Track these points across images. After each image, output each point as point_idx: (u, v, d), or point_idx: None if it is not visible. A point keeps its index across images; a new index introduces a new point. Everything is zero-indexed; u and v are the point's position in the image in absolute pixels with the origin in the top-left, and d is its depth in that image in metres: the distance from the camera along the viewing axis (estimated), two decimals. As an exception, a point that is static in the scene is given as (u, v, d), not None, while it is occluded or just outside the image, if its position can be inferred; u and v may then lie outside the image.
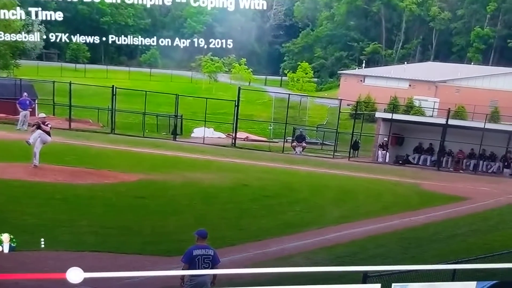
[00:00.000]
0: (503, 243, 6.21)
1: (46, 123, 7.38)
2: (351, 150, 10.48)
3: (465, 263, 5.51)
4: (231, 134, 8.93)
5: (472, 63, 12.58)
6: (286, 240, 5.97)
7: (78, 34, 5.00)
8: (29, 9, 4.67)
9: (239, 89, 8.44)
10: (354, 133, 10.34)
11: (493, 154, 11.54)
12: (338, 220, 6.21)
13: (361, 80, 10.98)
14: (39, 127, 7.19)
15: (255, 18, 5.19)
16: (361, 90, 10.66)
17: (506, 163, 11.36)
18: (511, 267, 5.68)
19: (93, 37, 5.00)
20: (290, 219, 6.47)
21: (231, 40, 5.07)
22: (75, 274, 4.50)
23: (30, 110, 8.30)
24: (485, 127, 11.05)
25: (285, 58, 8.08)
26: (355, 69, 10.27)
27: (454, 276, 5.36)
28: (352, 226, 6.30)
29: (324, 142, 10.54)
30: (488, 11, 9.75)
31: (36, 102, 8.18)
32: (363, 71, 10.68)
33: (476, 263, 5.56)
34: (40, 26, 4.82)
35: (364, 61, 10.01)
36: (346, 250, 6.05)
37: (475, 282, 5.27)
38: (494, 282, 5.34)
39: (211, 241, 4.95)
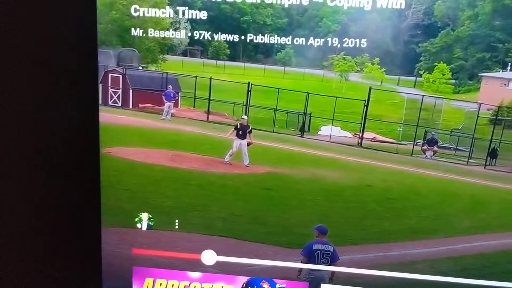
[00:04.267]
0: None
1: (250, 129, 7.68)
2: (488, 158, 9.72)
3: None
4: (358, 133, 8.82)
5: None
6: (409, 245, 5.77)
7: (219, 32, 5.31)
8: (177, 8, 5.03)
9: (370, 88, 8.30)
10: (493, 140, 9.58)
11: None
12: (468, 231, 5.88)
13: (504, 84, 10.05)
14: (243, 136, 7.58)
15: (392, 17, 5.05)
16: (504, 94, 9.72)
17: None
18: None
19: (233, 35, 5.27)
20: (415, 225, 6.18)
21: (365, 40, 5.05)
22: (209, 257, 4.80)
23: (174, 101, 8.95)
24: None
25: (421, 58, 7.71)
26: (499, 72, 9.44)
27: None
28: (483, 238, 6.00)
29: (458, 147, 9.89)
30: None
31: (180, 94, 8.80)
32: (508, 74, 9.74)
33: None
34: (186, 24, 5.21)
35: (509, 63, 9.17)
36: (474, 262, 5.71)
37: None
38: None
39: (331, 238, 5.00)
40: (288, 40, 5.10)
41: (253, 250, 5.49)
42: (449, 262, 5.55)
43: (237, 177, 7.04)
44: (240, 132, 7.64)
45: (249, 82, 8.17)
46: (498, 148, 10.11)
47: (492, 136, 9.81)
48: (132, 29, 5.07)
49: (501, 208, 6.87)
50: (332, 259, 4.93)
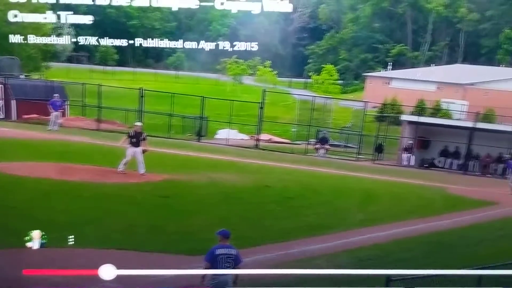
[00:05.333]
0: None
1: (144, 136, 7.47)
2: (375, 153, 10.41)
3: (491, 269, 5.44)
4: (255, 135, 8.99)
5: (502, 65, 12.32)
6: (308, 242, 5.92)
7: (106, 37, 5.12)
8: (60, 12, 4.78)
9: (264, 91, 8.50)
10: (378, 136, 10.29)
11: (523, 158, 11.29)
12: (362, 223, 6.17)
13: (387, 83, 10.90)
14: (137, 144, 7.35)
15: (279, 21, 5.19)
16: (387, 92, 10.61)
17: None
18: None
19: (121, 40, 5.12)
20: (313, 221, 6.43)
21: (256, 43, 5.13)
22: (107, 271, 4.58)
23: (61, 111, 8.51)
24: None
25: (309, 60, 8.05)
26: (381, 71, 10.20)
27: (480, 282, 5.30)
28: (376, 230, 6.23)
29: (347, 144, 10.50)
30: (518, 12, 9.58)
31: (67, 103, 8.39)
32: (389, 73, 10.61)
33: (504, 269, 5.48)
34: (69, 29, 4.95)
35: (389, 63, 9.92)
36: (369, 254, 6.01)
37: (502, 289, 5.19)
38: (522, 289, 5.25)
39: (233, 241, 5.00)
40: (179, 44, 5.03)
41: (155, 261, 5.37)
42: (345, 255, 5.79)
43: (132, 186, 6.86)
44: (134, 140, 7.43)
45: (141, 88, 7.96)
46: (383, 143, 10.88)
47: (378, 132, 10.55)
48: (11, 36, 4.73)
49: (390, 199, 7.35)
50: (235, 262, 4.93)
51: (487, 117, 12.30)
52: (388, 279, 4.96)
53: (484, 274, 5.31)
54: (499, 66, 12.68)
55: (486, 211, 7.78)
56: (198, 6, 4.80)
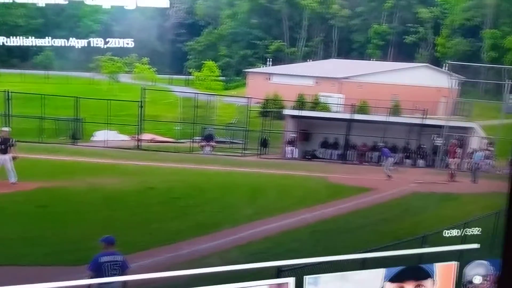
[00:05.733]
0: (408, 231, 6.62)
1: (12, 142, 7.20)
2: (261, 148, 10.71)
3: (373, 252, 5.83)
4: (136, 135, 8.78)
5: (373, 59, 13.29)
6: (199, 241, 5.86)
7: (-37, 37, 4.73)
8: None
9: (143, 89, 8.35)
10: (263, 131, 10.59)
11: (394, 146, 12.29)
12: (251, 218, 6.26)
13: (267, 78, 11.22)
14: (5, 151, 7.05)
15: (155, 16, 5.13)
16: (268, 88, 10.90)
17: (407, 154, 12.13)
18: (416, 253, 6.11)
19: (-21, 39, 4.75)
20: (202, 220, 6.41)
21: (131, 39, 5.03)
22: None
23: None
24: (387, 120, 11.70)
25: (189, 56, 8.02)
26: (261, 67, 10.50)
27: (364, 264, 5.65)
28: (265, 223, 6.39)
29: (233, 140, 10.66)
30: (385, 8, 10.40)
31: None
32: (269, 69, 10.91)
33: (384, 251, 5.90)
34: None
35: (269, 59, 10.24)
36: (260, 247, 6.12)
37: (384, 269, 5.60)
38: (401, 267, 5.71)
39: (120, 247, 4.89)
40: (46, 42, 4.78)
41: (35, 274, 5.06)
42: (237, 251, 5.89)
43: (3, 197, 6.39)
44: (2, 147, 7.01)
45: (7, 90, 7.40)
46: (268, 138, 11.20)
47: (262, 127, 10.84)
48: None
49: (278, 192, 7.57)
50: (122, 269, 4.80)
51: (362, 109, 13.18)
52: (279, 270, 5.12)
53: (367, 257, 5.70)
54: (370, 60, 13.66)
55: (366, 197, 8.33)
56: (67, 2, 4.62)
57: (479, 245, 6.44)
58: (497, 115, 9.07)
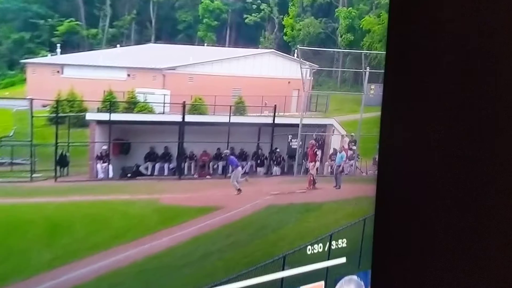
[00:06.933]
0: (266, 252, 6.75)
1: None
2: (58, 167, 10.08)
3: (221, 285, 5.86)
4: None
5: (206, 44, 13.39)
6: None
7: None
8: None
9: None
10: (58, 144, 10.01)
11: (243, 153, 12.45)
12: (52, 264, 6.07)
13: (58, 71, 10.61)
14: None
15: None
16: (60, 84, 10.29)
17: (259, 161, 12.38)
18: (277, 278, 6.24)
19: None
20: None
21: None
22: None
23: None
24: (230, 121, 11.85)
25: None
26: (47, 56, 9.87)
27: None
28: (73, 268, 6.22)
29: (14, 161, 9.86)
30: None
31: None
32: (59, 58, 10.28)
33: (236, 281, 5.95)
34: None
35: (58, 45, 9.66)
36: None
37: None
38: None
39: None
40: None
41: None
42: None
43: None
44: None
45: None
46: (67, 153, 10.66)
47: (56, 139, 10.28)
48: None
49: (87, 225, 7.27)
50: None
51: (197, 108, 13.18)
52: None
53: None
54: (203, 45, 13.76)
55: (210, 218, 8.33)
56: None
57: (345, 258, 6.80)
58: (357, 108, 9.65)
